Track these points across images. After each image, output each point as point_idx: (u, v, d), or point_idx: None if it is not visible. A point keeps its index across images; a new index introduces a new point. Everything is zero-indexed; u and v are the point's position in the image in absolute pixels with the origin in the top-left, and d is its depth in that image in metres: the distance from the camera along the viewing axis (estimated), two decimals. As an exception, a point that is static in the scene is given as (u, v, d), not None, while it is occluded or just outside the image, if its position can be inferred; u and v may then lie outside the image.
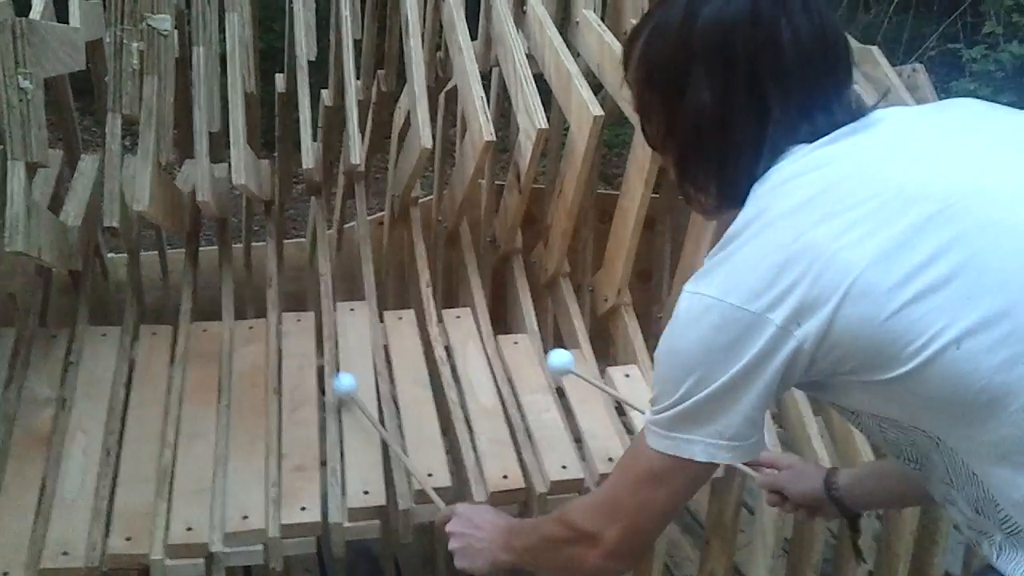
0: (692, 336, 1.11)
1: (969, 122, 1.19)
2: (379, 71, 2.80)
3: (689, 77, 1.15)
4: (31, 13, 1.95)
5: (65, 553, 1.69)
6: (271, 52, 3.23)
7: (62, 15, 2.03)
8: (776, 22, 1.12)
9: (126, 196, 1.87)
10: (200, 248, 2.36)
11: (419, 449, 1.89)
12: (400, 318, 2.22)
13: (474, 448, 1.91)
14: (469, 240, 2.37)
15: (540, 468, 1.86)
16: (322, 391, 2.03)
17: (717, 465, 1.18)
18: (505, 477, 1.84)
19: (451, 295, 2.57)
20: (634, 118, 1.41)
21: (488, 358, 2.12)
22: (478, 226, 2.52)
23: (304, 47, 2.15)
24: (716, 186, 1.20)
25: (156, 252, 2.60)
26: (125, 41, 1.70)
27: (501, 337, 2.20)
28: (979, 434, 1.06)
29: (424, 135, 2.01)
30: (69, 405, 1.96)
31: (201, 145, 1.93)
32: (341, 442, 1.91)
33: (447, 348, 2.16)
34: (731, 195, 1.18)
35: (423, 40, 2.29)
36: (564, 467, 1.86)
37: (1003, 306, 1.01)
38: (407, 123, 2.72)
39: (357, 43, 2.35)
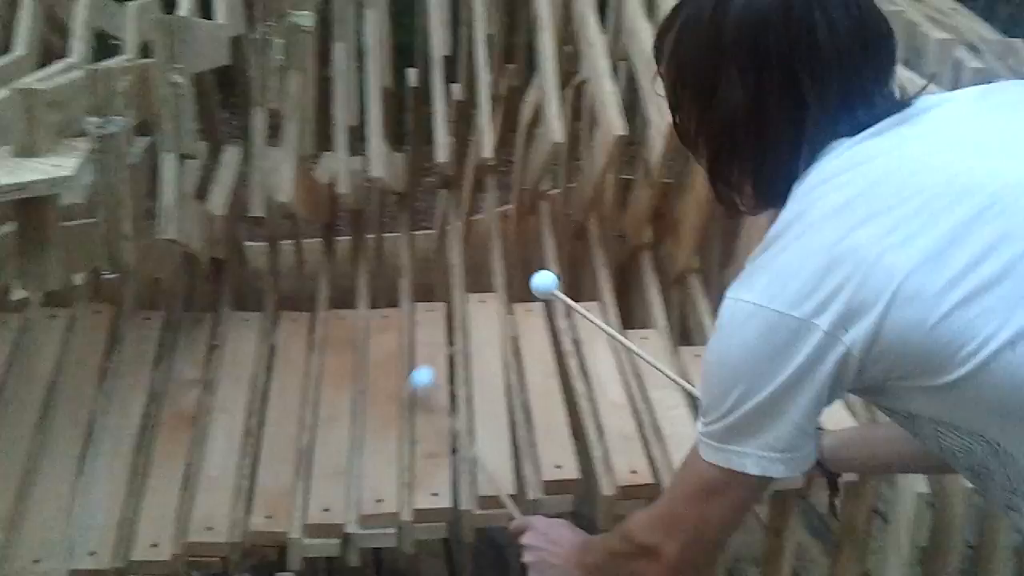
0: (736, 344, 1.08)
1: (1019, 107, 1.14)
2: (508, 65, 2.83)
3: (720, 75, 1.11)
4: (178, 10, 2.05)
5: (209, 528, 1.77)
6: (400, 47, 3.30)
7: (204, 12, 2.11)
8: (809, 14, 1.08)
9: (269, 187, 1.94)
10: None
11: (548, 441, 1.91)
12: (529, 310, 2.24)
13: (602, 443, 1.92)
14: (597, 234, 2.37)
15: (669, 464, 1.86)
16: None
17: (772, 478, 1.14)
18: (634, 472, 1.85)
19: (579, 289, 2.58)
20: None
21: (616, 353, 2.12)
22: (607, 220, 2.53)
23: (439, 42, 2.19)
24: (752, 185, 1.17)
25: (292, 241, 2.69)
26: (269, 37, 1.76)
27: (629, 332, 2.20)
28: None
29: (555, 129, 2.03)
30: (213, 386, 2.05)
31: (340, 139, 1.99)
32: (472, 428, 1.94)
33: (575, 341, 2.17)
34: (768, 195, 1.15)
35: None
36: (693, 464, 1.85)
37: None
38: (534, 117, 2.74)
39: (488, 38, 2.37)
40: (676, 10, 1.17)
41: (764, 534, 2.22)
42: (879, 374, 1.05)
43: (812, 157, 1.10)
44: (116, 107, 1.43)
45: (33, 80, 1.51)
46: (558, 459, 1.87)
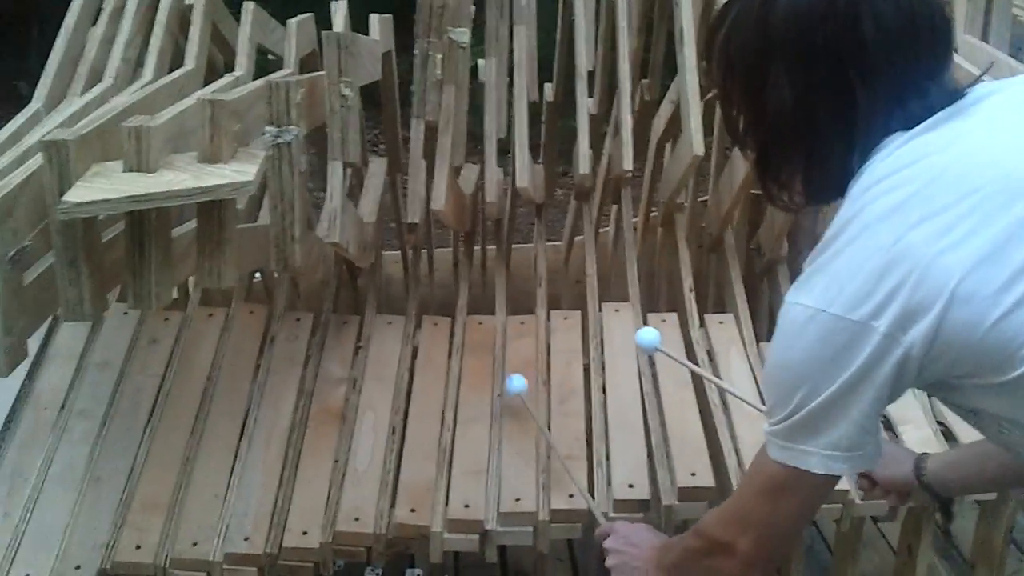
0: (798, 348, 1.09)
1: None
2: (643, 80, 2.87)
3: (768, 72, 1.10)
4: (334, 27, 2.15)
5: (357, 519, 1.86)
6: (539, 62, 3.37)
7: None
8: (854, 8, 1.06)
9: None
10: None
11: (682, 448, 1.94)
12: (663, 320, 2.27)
13: (736, 452, 1.94)
14: (733, 246, 2.39)
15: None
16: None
17: (837, 476, 1.16)
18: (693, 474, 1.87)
19: (710, 301, 2.60)
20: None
21: (751, 364, 2.14)
22: (742, 233, 2.55)
23: (584, 57, 2.25)
24: (802, 183, 1.17)
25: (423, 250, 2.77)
26: (430, 53, 1.85)
27: (764, 345, 2.22)
28: None
29: (696, 142, 2.06)
30: (359, 385, 2.14)
31: (490, 150, 2.06)
32: (607, 435, 1.98)
33: (709, 352, 2.20)
34: (820, 192, 1.16)
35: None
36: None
37: None
38: (666, 131, 2.78)
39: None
40: (726, 8, 1.18)
41: (894, 555, 2.22)
42: (940, 372, 1.05)
43: (865, 153, 1.10)
44: (291, 118, 1.52)
45: (213, 92, 1.62)
46: (692, 467, 1.90)
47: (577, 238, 3.01)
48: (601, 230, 2.95)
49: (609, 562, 1.60)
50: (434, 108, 1.91)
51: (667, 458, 1.93)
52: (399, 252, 2.88)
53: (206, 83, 2.07)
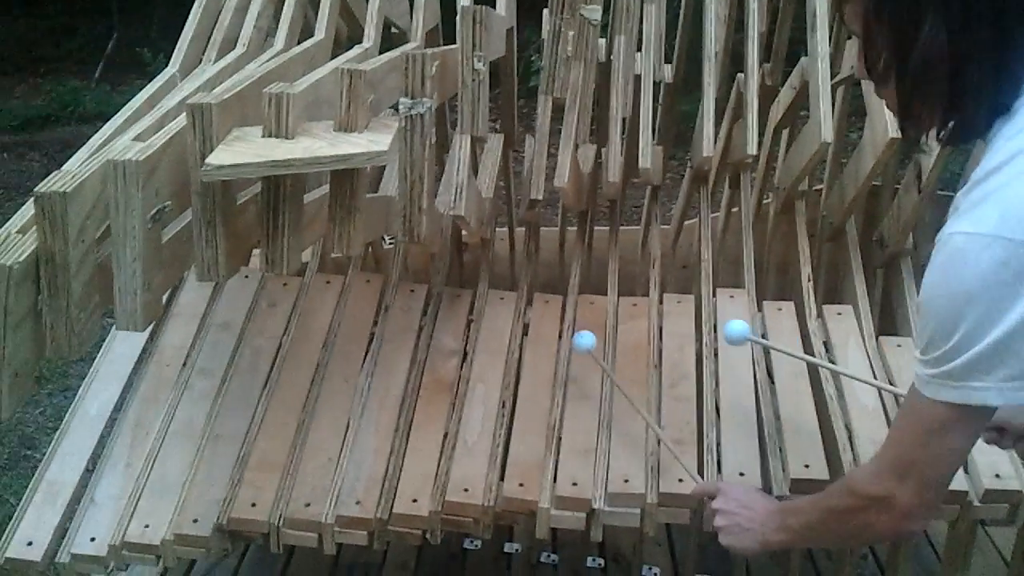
0: (970, 276, 1.07)
1: None
2: (764, 65, 2.82)
3: (924, 15, 1.09)
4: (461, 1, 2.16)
5: (466, 490, 1.87)
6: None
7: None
8: None
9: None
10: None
11: (796, 439, 1.91)
12: (780, 309, 2.24)
13: (852, 447, 1.91)
14: (855, 237, 2.34)
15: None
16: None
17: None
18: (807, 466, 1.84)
19: (830, 292, 2.55)
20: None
21: (869, 358, 2.10)
22: (865, 224, 2.49)
23: (713, 38, 2.22)
24: (943, 121, 1.16)
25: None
26: (562, 29, 1.84)
27: (884, 338, 2.17)
28: None
29: (825, 129, 2.02)
30: (471, 358, 2.16)
31: (615, 129, 2.05)
32: (718, 422, 1.97)
33: (825, 343, 2.16)
34: (966, 131, 1.15)
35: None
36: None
37: None
38: (785, 117, 2.73)
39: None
40: None
41: (1005, 564, 2.15)
42: None
43: (1015, 94, 1.10)
44: (425, 90, 1.53)
45: (347, 62, 1.64)
46: (807, 458, 1.87)
47: (687, 222, 2.99)
48: (713, 215, 2.92)
49: (718, 522, 1.58)
50: (562, 85, 1.90)
51: (780, 449, 1.91)
52: (505, 229, 2.89)
53: (333, 55, 2.10)
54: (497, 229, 2.82)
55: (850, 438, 1.92)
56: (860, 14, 1.17)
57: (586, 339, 2.00)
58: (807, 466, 1.85)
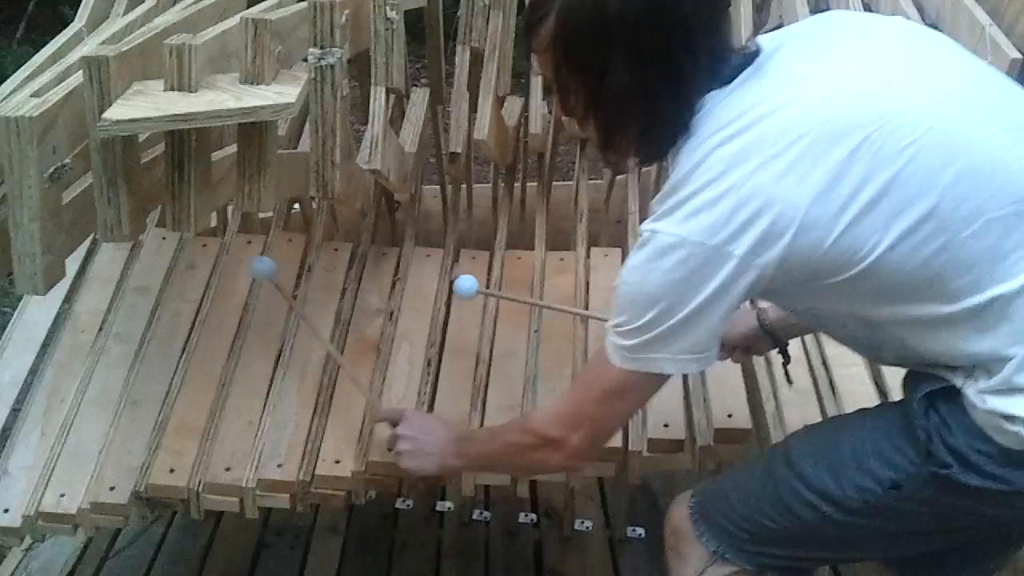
0: (657, 270, 1.23)
1: (855, 40, 1.30)
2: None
3: (609, 62, 1.23)
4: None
5: (390, 450, 1.84)
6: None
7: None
8: None
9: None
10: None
11: (720, 390, 1.91)
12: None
13: (775, 396, 1.92)
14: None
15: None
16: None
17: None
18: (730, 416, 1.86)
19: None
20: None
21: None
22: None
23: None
24: (637, 147, 1.33)
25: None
26: (476, -23, 1.80)
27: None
28: (910, 310, 1.25)
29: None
30: (396, 317, 2.13)
31: (535, 81, 2.02)
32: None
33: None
34: (655, 152, 1.34)
35: None
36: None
37: (926, 211, 1.18)
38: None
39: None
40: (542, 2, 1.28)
41: None
42: (785, 282, 1.24)
43: (691, 113, 1.26)
44: (335, 39, 1.48)
45: (259, 11, 1.58)
46: (730, 408, 1.87)
47: (619, 177, 2.97)
48: (644, 169, 2.91)
49: (400, 447, 1.69)
50: (480, 35, 1.86)
51: (704, 399, 1.91)
52: (438, 187, 2.85)
53: (249, 6, 2.03)
54: (430, 187, 2.79)
55: (773, 388, 1.93)
56: (551, 63, 1.30)
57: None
58: (730, 416, 1.86)
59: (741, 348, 1.80)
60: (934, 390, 1.31)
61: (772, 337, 1.77)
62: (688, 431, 1.86)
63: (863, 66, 1.26)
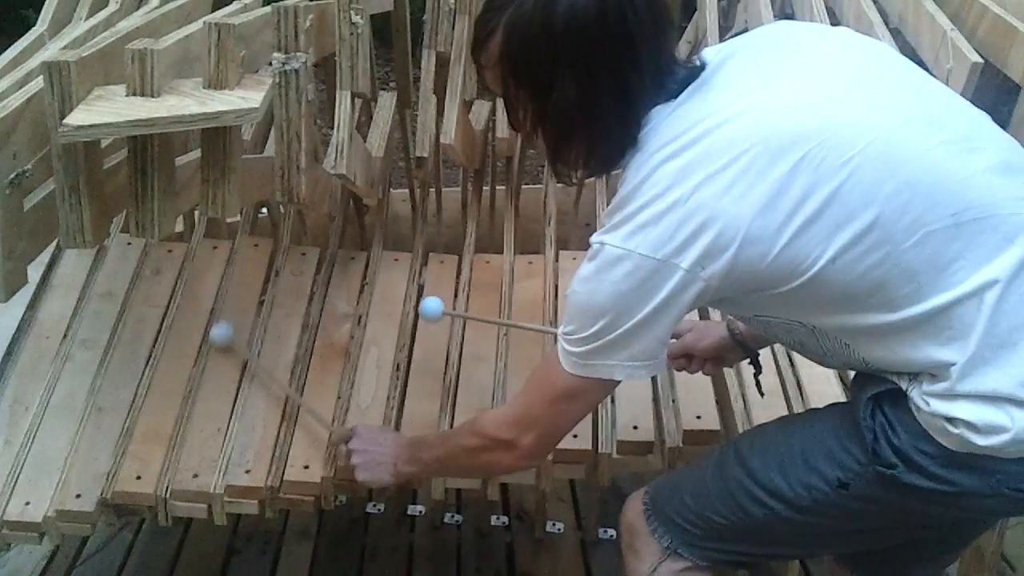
0: (605, 281, 1.26)
1: (800, 54, 1.32)
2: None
3: (555, 76, 1.25)
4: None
5: (362, 453, 1.84)
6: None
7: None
8: (622, 9, 1.22)
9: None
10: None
11: (688, 392, 1.92)
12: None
13: (743, 397, 1.93)
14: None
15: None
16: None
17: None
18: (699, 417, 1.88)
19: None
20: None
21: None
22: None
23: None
24: (585, 160, 1.34)
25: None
26: (443, -19, 1.80)
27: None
28: (854, 318, 1.28)
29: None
30: (364, 321, 2.12)
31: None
32: (613, 378, 1.96)
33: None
34: (603, 165, 1.34)
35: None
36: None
37: (867, 223, 1.21)
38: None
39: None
40: (491, 15, 1.30)
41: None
42: (729, 292, 1.27)
43: (638, 127, 1.28)
44: (299, 44, 1.48)
45: (223, 15, 1.58)
46: (698, 410, 1.89)
47: (588, 180, 2.97)
48: (614, 173, 2.91)
49: (353, 460, 1.73)
50: (446, 39, 1.85)
51: (673, 401, 1.92)
52: (407, 191, 2.85)
53: (214, 9, 2.02)
54: (400, 190, 2.78)
55: (741, 389, 1.94)
56: (499, 78, 1.32)
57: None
58: (699, 417, 1.87)
59: (712, 360, 1.80)
60: (880, 391, 1.32)
61: (743, 347, 1.77)
62: (657, 433, 1.88)
63: (806, 80, 1.28)
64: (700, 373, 1.84)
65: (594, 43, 1.22)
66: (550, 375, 1.41)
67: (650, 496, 1.59)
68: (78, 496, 1.79)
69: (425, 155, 1.92)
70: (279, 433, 1.90)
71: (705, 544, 1.52)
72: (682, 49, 2.84)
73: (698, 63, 1.32)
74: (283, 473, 1.83)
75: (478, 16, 1.33)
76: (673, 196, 1.22)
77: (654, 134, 1.27)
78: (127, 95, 1.41)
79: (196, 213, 2.35)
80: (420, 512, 2.53)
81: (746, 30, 2.46)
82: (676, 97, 1.28)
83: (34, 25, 2.08)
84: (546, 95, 1.27)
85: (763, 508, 1.43)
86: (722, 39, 2.35)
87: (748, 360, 1.81)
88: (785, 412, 1.90)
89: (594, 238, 1.29)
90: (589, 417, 1.87)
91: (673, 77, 1.29)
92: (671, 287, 1.24)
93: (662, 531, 1.55)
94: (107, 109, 1.36)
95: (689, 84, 1.29)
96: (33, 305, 2.15)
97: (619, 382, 1.37)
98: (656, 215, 1.22)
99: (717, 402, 1.92)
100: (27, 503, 1.80)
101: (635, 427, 1.87)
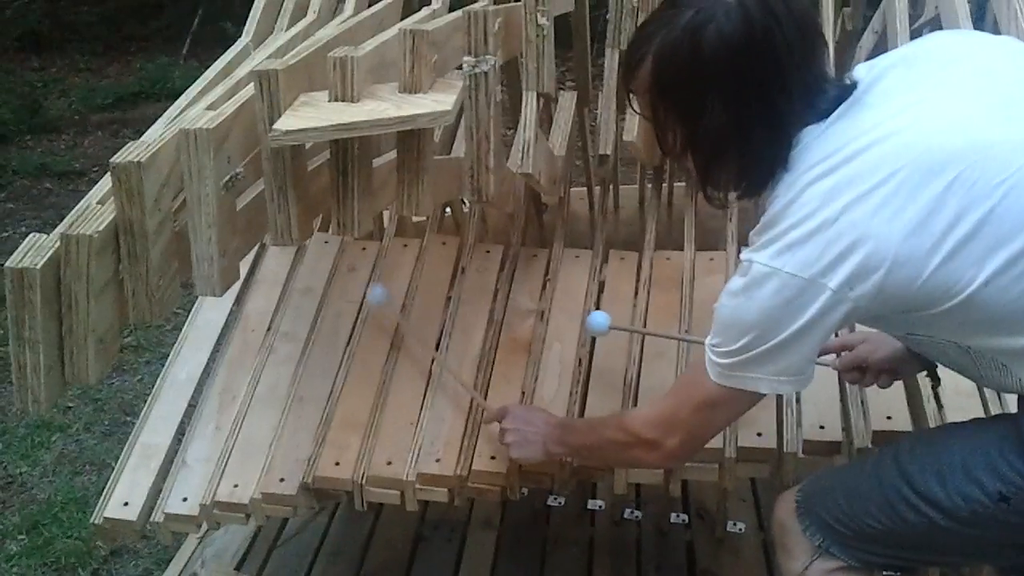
0: (754, 299, 1.28)
1: (956, 69, 1.30)
2: (844, 9, 2.74)
3: (705, 102, 1.26)
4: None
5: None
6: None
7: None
8: (770, 32, 1.23)
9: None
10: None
11: (877, 393, 1.86)
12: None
13: (936, 398, 1.87)
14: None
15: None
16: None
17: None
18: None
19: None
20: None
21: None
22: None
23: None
24: (736, 183, 1.35)
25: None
26: (629, -20, 1.82)
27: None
28: (1009, 341, 1.27)
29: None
30: (547, 317, 2.17)
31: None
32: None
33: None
34: (754, 188, 1.34)
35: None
36: None
37: (1023, 246, 1.20)
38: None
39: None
40: (645, 37, 1.31)
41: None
42: (881, 312, 1.28)
43: (788, 150, 1.28)
44: (488, 47, 1.53)
45: (415, 22, 1.65)
46: (888, 411, 1.84)
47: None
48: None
49: (506, 439, 1.77)
50: (629, 36, 1.87)
51: (861, 401, 1.88)
52: (585, 189, 2.88)
53: (403, 16, 2.11)
54: (577, 188, 2.82)
55: (933, 389, 1.87)
56: (648, 104, 1.34)
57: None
58: (889, 418, 1.83)
59: (887, 372, 1.76)
60: None
61: (919, 358, 1.71)
62: (845, 433, 1.84)
63: (959, 97, 1.26)
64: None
65: (742, 68, 1.24)
66: (696, 382, 1.44)
67: (802, 495, 1.58)
68: (282, 480, 1.91)
69: (608, 153, 1.95)
70: (466, 425, 1.96)
71: (858, 545, 1.50)
72: (867, 40, 2.77)
73: (849, 82, 1.31)
74: (471, 463, 1.89)
75: (628, 43, 1.36)
76: (822, 216, 1.22)
77: (804, 154, 1.27)
78: (330, 100, 1.49)
79: (384, 213, 2.45)
80: (600, 507, 2.55)
81: (936, 18, 2.37)
82: (827, 117, 1.28)
83: (232, 36, 2.22)
84: (696, 120, 1.29)
85: (919, 515, 1.40)
86: (911, 28, 2.28)
87: (925, 372, 1.76)
88: (981, 414, 1.82)
89: (744, 254, 1.32)
90: (773, 416, 1.86)
91: (824, 97, 1.29)
92: (818, 307, 1.25)
93: (814, 529, 1.54)
94: (312, 114, 1.44)
95: (840, 103, 1.29)
96: (240, 300, 2.30)
97: (764, 395, 1.39)
98: (805, 235, 1.23)
99: (908, 402, 1.86)
100: (235, 485, 1.92)
101: (822, 427, 1.84)
